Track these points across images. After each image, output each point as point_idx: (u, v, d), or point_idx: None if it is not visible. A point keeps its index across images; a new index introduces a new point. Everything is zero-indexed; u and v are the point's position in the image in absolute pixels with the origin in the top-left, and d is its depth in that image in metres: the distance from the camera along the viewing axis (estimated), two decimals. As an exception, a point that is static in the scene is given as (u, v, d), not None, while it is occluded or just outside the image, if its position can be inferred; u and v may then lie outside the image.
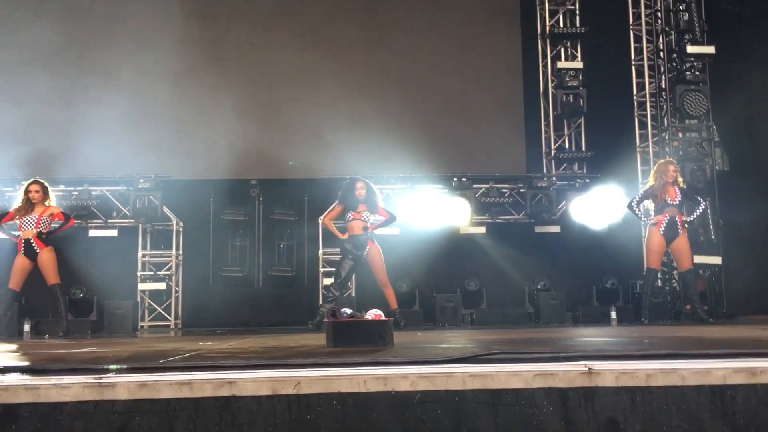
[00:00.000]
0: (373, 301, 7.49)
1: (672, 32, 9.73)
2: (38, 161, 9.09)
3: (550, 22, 10.53)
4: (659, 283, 9.19)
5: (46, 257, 7.48)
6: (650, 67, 10.05)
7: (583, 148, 10.40)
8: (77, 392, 2.34)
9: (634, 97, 10.18)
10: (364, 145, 9.03)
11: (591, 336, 5.37)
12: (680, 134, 9.59)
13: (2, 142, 9.05)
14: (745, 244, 9.34)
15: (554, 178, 10.08)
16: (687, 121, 9.56)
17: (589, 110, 10.12)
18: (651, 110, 10.02)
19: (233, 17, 10.23)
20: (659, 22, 9.89)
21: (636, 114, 10.16)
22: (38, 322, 8.28)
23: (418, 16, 10.44)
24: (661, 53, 9.85)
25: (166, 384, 2.38)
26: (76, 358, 3.74)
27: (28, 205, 7.54)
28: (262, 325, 8.93)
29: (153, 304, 9.65)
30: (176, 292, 9.67)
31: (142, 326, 9.38)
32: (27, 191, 7.56)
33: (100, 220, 9.63)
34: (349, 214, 7.76)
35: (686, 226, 7.87)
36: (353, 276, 8.48)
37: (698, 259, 8.55)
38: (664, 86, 9.79)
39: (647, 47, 10.08)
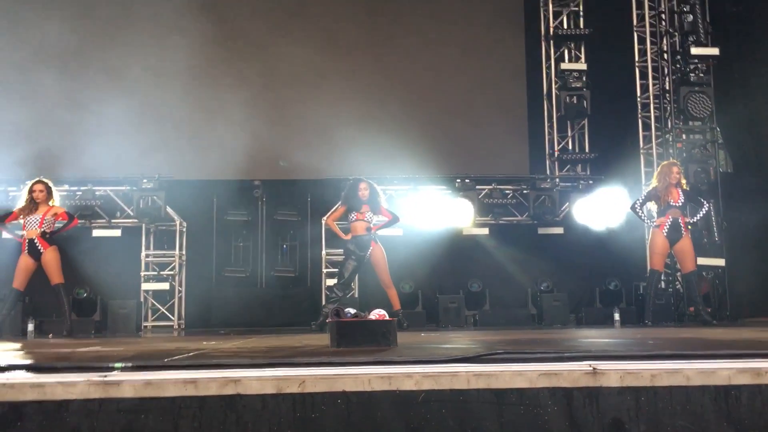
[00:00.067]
0: (376, 302, 7.47)
1: (676, 34, 9.73)
2: (42, 160, 9.10)
3: (553, 23, 10.54)
4: (662, 284, 9.19)
5: (50, 257, 7.49)
6: (654, 69, 10.05)
7: (587, 150, 10.40)
8: (83, 390, 2.35)
9: (638, 99, 10.18)
10: (367, 146, 9.03)
11: (595, 337, 5.36)
12: (684, 136, 9.58)
13: (8, 141, 9.06)
14: (749, 246, 9.31)
15: (557, 180, 10.08)
16: (691, 123, 9.56)
17: (593, 112, 10.12)
18: (655, 112, 10.02)
19: (238, 19, 10.24)
20: (663, 23, 9.90)
21: (639, 115, 10.16)
22: (42, 322, 8.30)
23: (422, 18, 10.45)
24: (665, 55, 9.85)
25: (171, 382, 2.38)
26: (80, 357, 3.75)
27: (32, 205, 7.55)
28: (265, 326, 8.94)
29: (156, 304, 9.67)
30: (179, 292, 9.68)
31: (146, 326, 9.39)
32: (31, 191, 7.57)
33: (104, 220, 9.65)
34: (353, 215, 7.76)
35: (689, 227, 7.86)
36: (356, 277, 8.49)
37: (702, 261, 8.54)
38: (667, 88, 9.79)
39: (651, 49, 10.08)
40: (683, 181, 7.99)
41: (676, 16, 9.68)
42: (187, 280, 9.76)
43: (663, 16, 9.87)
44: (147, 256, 9.62)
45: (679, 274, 8.89)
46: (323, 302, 8.58)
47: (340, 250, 8.38)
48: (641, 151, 10.11)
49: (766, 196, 9.34)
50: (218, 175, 9.72)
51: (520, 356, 2.98)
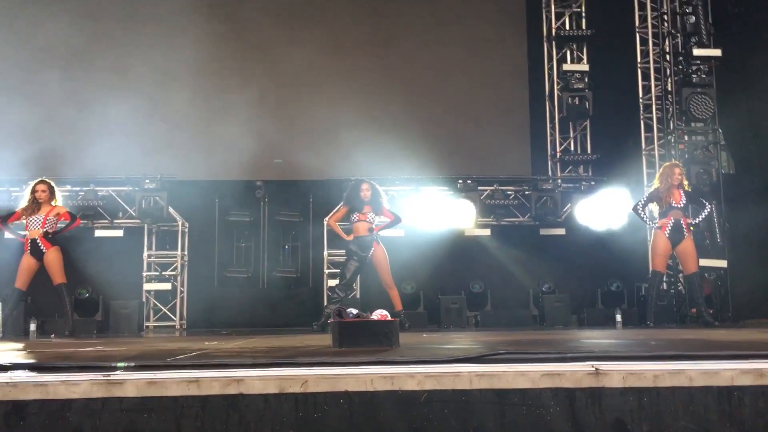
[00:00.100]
0: (378, 303, 7.45)
1: (678, 35, 9.72)
2: (45, 160, 9.11)
3: (556, 24, 10.54)
4: (664, 286, 9.17)
5: (53, 257, 7.50)
6: (656, 70, 10.04)
7: (589, 151, 10.40)
8: (85, 389, 2.35)
9: (640, 100, 10.16)
10: (369, 147, 9.03)
11: (597, 338, 5.36)
12: (686, 137, 9.56)
13: (11, 141, 9.07)
14: (751, 247, 9.30)
15: (559, 181, 10.07)
16: (693, 124, 9.54)
17: (595, 113, 10.13)
18: (657, 113, 10.00)
19: (241, 21, 10.26)
20: (665, 24, 9.89)
21: (642, 117, 10.15)
22: (44, 322, 8.31)
23: (424, 19, 10.46)
24: (668, 56, 9.83)
25: (173, 382, 2.38)
26: (83, 356, 3.76)
27: (34, 205, 7.56)
28: (267, 326, 8.94)
29: (158, 304, 9.68)
30: (181, 292, 9.69)
31: (148, 326, 9.40)
32: (33, 191, 7.58)
33: (106, 221, 9.66)
34: (354, 216, 7.77)
35: (691, 229, 7.85)
36: (358, 277, 8.49)
37: (704, 262, 8.53)
38: (670, 89, 9.78)
39: (653, 50, 10.07)
40: (685, 183, 7.99)
41: (678, 17, 9.67)
42: (189, 280, 9.77)
43: (665, 17, 9.86)
44: (149, 256, 9.63)
45: (681, 275, 8.88)
46: (325, 303, 8.60)
47: (342, 251, 8.39)
48: (643, 152, 10.10)
49: (768, 198, 9.33)
50: (220, 176, 9.73)
51: (523, 357, 2.98)
